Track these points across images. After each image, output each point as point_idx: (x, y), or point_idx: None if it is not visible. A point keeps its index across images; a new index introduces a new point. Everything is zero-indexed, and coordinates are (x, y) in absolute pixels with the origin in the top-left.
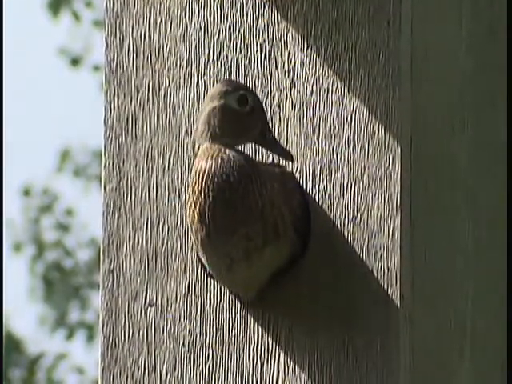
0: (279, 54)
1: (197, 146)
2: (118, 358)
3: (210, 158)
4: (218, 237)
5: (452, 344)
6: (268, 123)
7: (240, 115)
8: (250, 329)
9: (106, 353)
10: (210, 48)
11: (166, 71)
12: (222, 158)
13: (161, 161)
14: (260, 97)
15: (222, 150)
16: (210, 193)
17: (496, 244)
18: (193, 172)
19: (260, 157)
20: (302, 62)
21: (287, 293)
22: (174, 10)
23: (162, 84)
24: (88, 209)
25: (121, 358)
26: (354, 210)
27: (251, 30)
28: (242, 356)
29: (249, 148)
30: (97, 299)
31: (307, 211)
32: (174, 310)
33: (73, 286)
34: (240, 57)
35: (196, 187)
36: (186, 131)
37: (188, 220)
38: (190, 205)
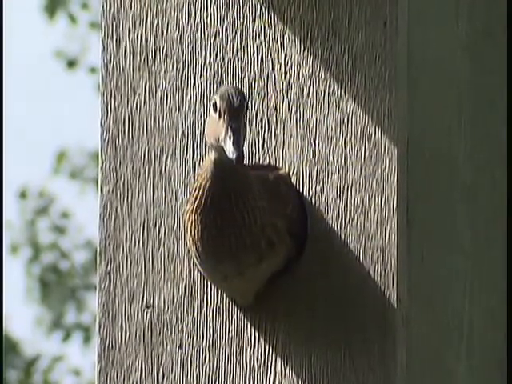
0: (276, 55)
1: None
2: (115, 360)
3: (205, 173)
4: (208, 260)
5: (449, 345)
6: (231, 122)
7: (214, 121)
8: (246, 331)
9: (102, 354)
10: (206, 50)
11: (162, 73)
12: (213, 182)
13: (157, 163)
14: (256, 98)
15: (215, 167)
16: (200, 222)
17: (494, 244)
18: (195, 182)
19: (257, 158)
20: (299, 63)
21: (284, 295)
22: (170, 11)
23: (159, 86)
24: (84, 211)
25: (117, 360)
26: (350, 212)
27: (248, 32)
28: (238, 358)
29: (247, 151)
30: (93, 301)
31: (304, 213)
32: (171, 312)
33: (69, 287)
34: (237, 59)
35: (193, 201)
36: (183, 133)
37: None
38: (187, 211)
